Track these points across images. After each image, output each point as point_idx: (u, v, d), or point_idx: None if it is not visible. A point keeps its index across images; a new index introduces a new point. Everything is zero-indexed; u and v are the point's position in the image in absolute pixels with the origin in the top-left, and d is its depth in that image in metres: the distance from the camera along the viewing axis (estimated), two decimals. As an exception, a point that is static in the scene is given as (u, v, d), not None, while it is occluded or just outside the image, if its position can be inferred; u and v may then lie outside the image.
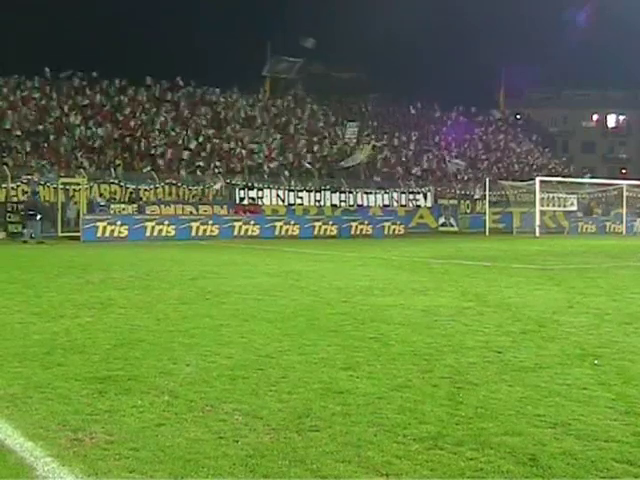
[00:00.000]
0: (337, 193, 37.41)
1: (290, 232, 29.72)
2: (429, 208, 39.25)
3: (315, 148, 41.96)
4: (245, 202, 33.85)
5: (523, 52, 64.59)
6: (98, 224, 26.09)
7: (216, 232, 28.10)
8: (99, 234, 25.82)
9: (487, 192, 36.93)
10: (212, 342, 6.55)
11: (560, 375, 5.34)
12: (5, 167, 30.80)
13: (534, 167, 49.03)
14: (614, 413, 4.40)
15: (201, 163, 36.52)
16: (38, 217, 24.80)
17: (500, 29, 77.30)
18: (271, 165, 38.31)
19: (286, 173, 37.74)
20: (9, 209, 29.28)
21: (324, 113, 47.35)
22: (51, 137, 34.64)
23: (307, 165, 38.25)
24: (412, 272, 13.86)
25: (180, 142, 37.93)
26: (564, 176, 43.96)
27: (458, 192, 41.09)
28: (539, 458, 3.62)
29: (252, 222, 29.54)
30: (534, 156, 52.32)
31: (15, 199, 29.98)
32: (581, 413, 4.39)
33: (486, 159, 49.10)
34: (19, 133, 34.35)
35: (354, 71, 64.44)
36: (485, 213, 36.58)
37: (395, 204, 38.61)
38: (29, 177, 29.97)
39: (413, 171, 43.56)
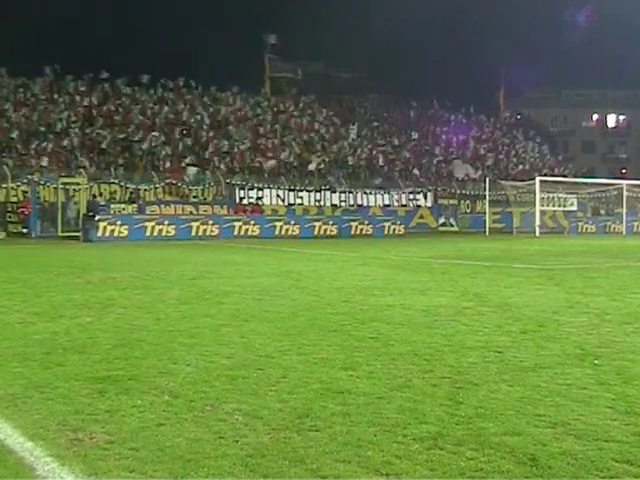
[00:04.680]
0: (337, 193, 37.45)
1: (290, 232, 29.73)
2: (429, 208, 39.29)
3: (314, 148, 41.99)
4: (245, 202, 33.89)
5: (523, 52, 64.63)
6: (99, 224, 26.10)
7: (216, 232, 28.12)
8: (99, 234, 25.84)
9: (487, 192, 36.95)
10: (212, 342, 6.55)
11: (560, 375, 5.34)
12: (5, 167, 30.82)
13: (534, 167, 49.03)
14: (614, 413, 4.40)
15: (200, 162, 36.56)
16: (96, 218, 25.55)
17: (500, 29, 77.31)
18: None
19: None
20: (9, 209, 29.36)
21: (324, 113, 47.35)
22: (51, 137, 34.63)
23: (312, 166, 38.22)
24: (412, 272, 13.86)
25: (180, 142, 37.91)
26: (564, 176, 43.97)
27: (458, 192, 41.11)
28: (539, 458, 3.62)
29: (252, 222, 29.56)
30: (534, 156, 52.31)
31: (15, 199, 30.04)
32: (581, 413, 4.39)
33: (486, 159, 49.08)
34: (19, 133, 34.36)
35: (354, 71, 64.43)
36: (485, 213, 36.60)
37: (395, 204, 38.63)
38: (29, 177, 30.00)
39: (413, 171, 43.57)
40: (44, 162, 32.14)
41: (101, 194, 31.06)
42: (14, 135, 33.93)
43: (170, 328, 7.30)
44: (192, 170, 34.68)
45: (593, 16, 54.02)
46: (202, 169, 35.24)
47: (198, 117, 40.83)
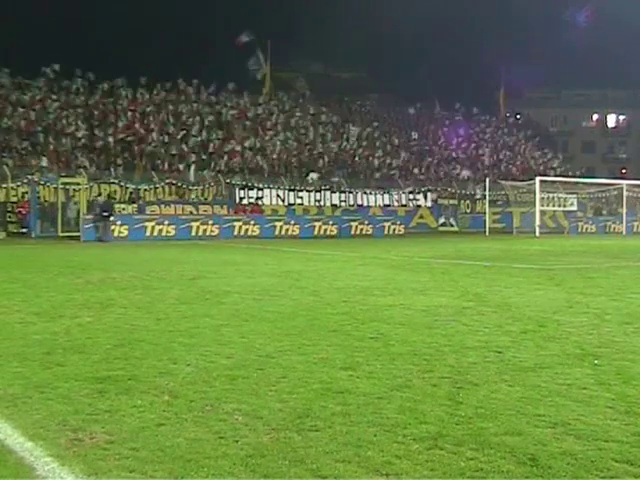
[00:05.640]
0: (337, 193, 37.44)
1: (290, 232, 29.74)
2: (429, 208, 39.28)
3: (314, 148, 42.01)
4: (245, 202, 33.89)
5: (523, 52, 64.59)
6: (98, 224, 26.11)
7: (216, 232, 28.13)
8: (98, 235, 25.83)
9: (487, 192, 36.95)
10: (212, 342, 6.55)
11: (560, 375, 5.34)
12: (5, 167, 30.82)
13: (534, 167, 49.03)
14: (614, 413, 4.40)
15: (200, 163, 36.56)
16: (112, 218, 25.86)
17: (500, 29, 77.29)
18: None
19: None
20: (9, 209, 29.37)
21: (324, 113, 47.35)
22: (51, 137, 34.63)
23: (312, 177, 38.16)
24: (412, 272, 13.86)
25: (180, 142, 37.91)
26: (564, 176, 43.97)
27: (458, 192, 41.12)
28: (539, 458, 3.62)
29: (252, 222, 29.57)
30: (534, 156, 52.32)
31: (15, 199, 30.05)
32: (581, 413, 4.39)
33: (486, 159, 49.08)
34: (19, 133, 34.36)
35: (354, 71, 64.51)
36: (485, 213, 36.61)
37: (395, 204, 38.63)
38: (29, 177, 30.02)
39: (413, 171, 43.57)
40: (44, 162, 32.14)
41: (101, 194, 31.05)
42: (13, 135, 33.93)
43: (170, 328, 7.30)
44: (192, 171, 34.58)
45: (593, 16, 54.03)
46: (200, 168, 35.12)
47: (198, 117, 40.83)
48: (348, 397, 4.70)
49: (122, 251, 20.40)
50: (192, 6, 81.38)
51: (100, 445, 3.79)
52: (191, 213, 30.77)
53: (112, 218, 26.03)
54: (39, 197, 29.39)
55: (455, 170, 45.19)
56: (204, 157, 37.20)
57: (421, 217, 38.63)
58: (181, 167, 35.63)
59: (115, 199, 31.11)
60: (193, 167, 34.86)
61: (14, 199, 30.04)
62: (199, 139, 38.64)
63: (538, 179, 34.63)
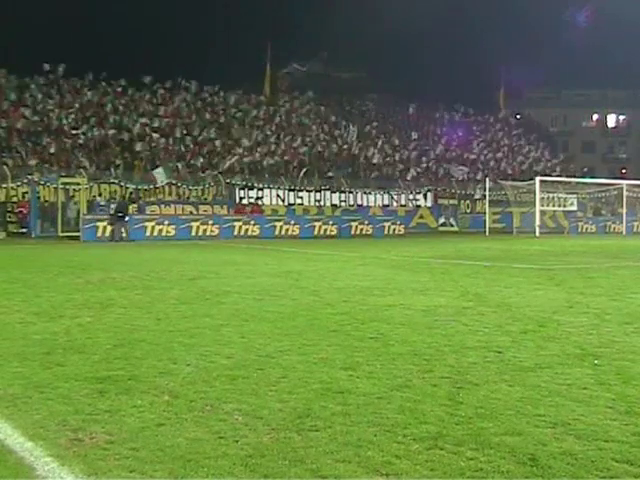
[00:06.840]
0: (337, 193, 37.47)
1: (290, 232, 29.75)
2: (429, 208, 39.31)
3: (315, 148, 41.99)
4: (245, 202, 33.91)
5: (523, 52, 64.59)
6: (98, 224, 26.12)
7: (216, 232, 28.14)
8: (99, 234, 25.86)
9: (487, 192, 36.95)
10: (212, 342, 6.55)
11: (560, 375, 5.34)
12: (5, 167, 30.81)
13: (534, 167, 49.03)
14: (614, 413, 4.40)
15: (200, 163, 36.56)
16: (126, 219, 26.02)
17: (500, 29, 77.33)
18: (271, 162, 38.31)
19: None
20: (9, 209, 29.39)
21: (324, 113, 47.34)
22: (51, 137, 34.62)
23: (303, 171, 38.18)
24: (412, 272, 13.85)
25: (180, 142, 37.90)
26: (564, 176, 43.97)
27: (458, 192, 41.12)
28: (539, 458, 3.62)
29: (252, 222, 29.58)
30: (534, 156, 52.31)
31: (15, 199, 30.05)
32: (581, 413, 4.39)
33: (486, 159, 49.08)
34: (19, 133, 34.34)
35: (354, 71, 64.49)
36: (485, 213, 36.61)
37: (395, 204, 38.65)
38: (29, 177, 30.02)
39: (413, 171, 43.56)
40: (34, 161, 32.11)
41: (101, 194, 31.06)
42: (14, 135, 33.92)
43: (170, 328, 7.30)
44: (159, 172, 34.12)
45: (593, 16, 54.04)
46: (168, 166, 34.87)
47: (198, 117, 40.83)
48: (348, 397, 4.69)
49: (122, 251, 20.41)
50: (192, 6, 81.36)
51: (100, 445, 3.79)
52: (191, 213, 30.79)
53: (127, 219, 26.08)
54: (39, 197, 29.40)
55: (452, 170, 45.16)
56: (204, 157, 37.21)
57: (421, 217, 38.66)
58: (181, 167, 35.66)
59: (115, 199, 31.13)
60: (161, 169, 33.97)
61: (14, 199, 30.05)
62: (199, 139, 38.65)
63: (538, 179, 34.64)
